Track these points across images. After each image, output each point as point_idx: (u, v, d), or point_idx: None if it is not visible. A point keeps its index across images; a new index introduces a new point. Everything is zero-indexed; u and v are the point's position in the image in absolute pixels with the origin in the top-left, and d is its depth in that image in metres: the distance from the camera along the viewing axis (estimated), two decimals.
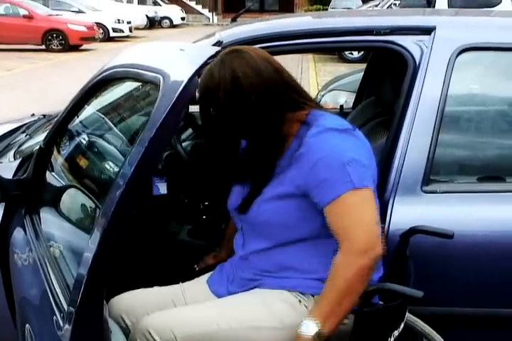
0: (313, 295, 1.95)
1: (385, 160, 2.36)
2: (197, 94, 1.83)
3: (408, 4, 13.22)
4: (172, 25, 33.24)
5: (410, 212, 2.29)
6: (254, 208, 1.96)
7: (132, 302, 2.16)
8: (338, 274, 1.79)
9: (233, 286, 2.09)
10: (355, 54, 15.09)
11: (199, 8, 37.41)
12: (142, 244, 2.94)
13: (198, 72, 1.58)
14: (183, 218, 3.16)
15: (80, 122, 2.70)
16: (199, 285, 2.19)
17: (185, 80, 1.53)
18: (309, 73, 13.58)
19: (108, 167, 2.49)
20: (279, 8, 34.58)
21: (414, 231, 2.09)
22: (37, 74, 14.77)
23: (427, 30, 2.45)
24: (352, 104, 4.08)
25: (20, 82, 13.43)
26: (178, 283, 2.28)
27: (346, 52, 15.32)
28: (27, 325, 2.06)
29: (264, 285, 2.01)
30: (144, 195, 1.67)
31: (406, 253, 2.06)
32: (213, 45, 2.49)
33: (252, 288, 2.04)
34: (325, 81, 7.88)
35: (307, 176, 1.86)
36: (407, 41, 2.44)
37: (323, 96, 6.17)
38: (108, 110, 2.98)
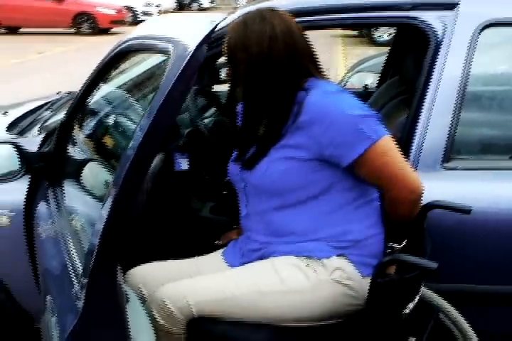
0: (319, 259, 1.99)
1: (405, 136, 2.36)
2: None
3: None
4: (201, 9, 33.21)
5: (430, 188, 2.30)
6: (260, 168, 1.98)
7: (149, 274, 2.19)
8: (398, 211, 2.02)
9: (244, 258, 2.13)
10: (385, 37, 14.97)
11: None
12: (165, 220, 2.98)
13: (206, 40, 1.58)
14: (205, 195, 3.19)
15: (100, 97, 2.74)
16: (214, 258, 2.23)
17: (193, 48, 1.53)
18: (338, 56, 13.51)
19: (126, 139, 2.52)
20: None
21: (431, 206, 2.09)
22: (67, 57, 14.90)
23: (450, 6, 2.42)
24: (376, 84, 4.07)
25: (50, 64, 13.56)
26: None
27: (376, 35, 15.22)
28: (48, 296, 2.10)
29: (270, 254, 2.05)
30: (151, 163, 1.69)
31: (423, 227, 2.07)
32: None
33: (260, 258, 2.07)
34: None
35: (321, 142, 1.88)
36: (429, 17, 2.42)
37: (349, 78, 6.15)
38: (127, 85, 3.01)
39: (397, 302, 1.85)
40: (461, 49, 2.36)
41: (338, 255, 2.00)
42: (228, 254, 2.21)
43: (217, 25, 1.60)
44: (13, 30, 21.15)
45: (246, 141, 2.08)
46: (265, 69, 1.89)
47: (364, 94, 3.74)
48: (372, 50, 12.74)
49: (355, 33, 17.29)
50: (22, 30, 21.19)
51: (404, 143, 2.34)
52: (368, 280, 1.89)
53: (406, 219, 2.05)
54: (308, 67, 1.97)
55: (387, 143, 1.92)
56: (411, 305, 1.88)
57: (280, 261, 2.01)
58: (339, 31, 18.10)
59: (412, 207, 2.02)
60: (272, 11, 1.96)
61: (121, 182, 1.62)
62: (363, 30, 16.12)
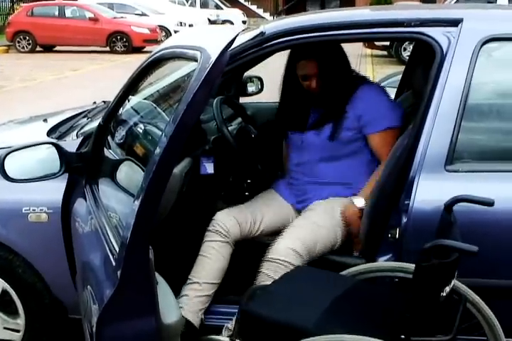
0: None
1: (412, 142, 2.56)
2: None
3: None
4: None
5: (434, 188, 2.49)
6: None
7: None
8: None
9: (298, 197, 3.10)
10: None
11: (260, 11, 37.68)
12: (190, 221, 3.19)
13: (229, 47, 1.81)
14: (228, 198, 3.38)
15: (133, 103, 2.97)
16: (270, 194, 3.17)
17: (217, 54, 1.76)
18: (367, 75, 13.61)
19: (155, 141, 2.70)
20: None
21: (457, 200, 2.28)
22: (101, 74, 15.24)
23: (455, 22, 2.61)
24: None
25: (85, 81, 13.92)
26: None
27: (404, 55, 15.36)
28: (88, 287, 2.24)
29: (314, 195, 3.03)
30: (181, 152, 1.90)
31: (451, 220, 2.25)
32: (257, 35, 2.72)
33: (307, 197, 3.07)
34: None
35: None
36: (435, 32, 2.61)
37: None
38: (159, 93, 3.24)
39: (437, 285, 2.00)
40: (463, 62, 2.55)
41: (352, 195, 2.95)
42: (283, 192, 3.15)
43: (238, 35, 1.82)
44: (48, 49, 21.63)
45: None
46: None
47: None
48: (399, 69, 12.87)
49: (384, 52, 17.46)
50: (57, 48, 21.68)
51: (411, 147, 2.55)
52: None
53: None
54: None
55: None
56: (447, 289, 2.03)
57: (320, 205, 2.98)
58: (368, 51, 18.28)
59: None
60: None
61: (148, 183, 1.83)
62: (391, 49, 16.32)
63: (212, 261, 2.90)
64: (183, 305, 2.80)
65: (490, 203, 2.27)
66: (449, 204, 2.29)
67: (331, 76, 2.95)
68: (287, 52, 2.99)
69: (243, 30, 2.29)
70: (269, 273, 2.70)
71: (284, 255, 2.71)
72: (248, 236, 2.99)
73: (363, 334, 1.97)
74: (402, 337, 2.01)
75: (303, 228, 2.86)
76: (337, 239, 2.88)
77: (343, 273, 2.51)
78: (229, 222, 2.95)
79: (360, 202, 2.85)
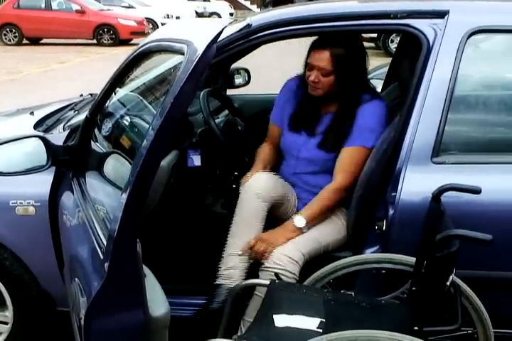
0: None
1: (398, 134, 2.57)
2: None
3: None
4: None
5: (421, 179, 2.51)
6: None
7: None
8: (328, 196, 2.81)
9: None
10: None
11: (247, 4, 37.63)
12: (179, 214, 3.19)
13: (215, 40, 1.81)
14: (217, 191, 3.38)
15: (121, 96, 2.96)
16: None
17: (204, 47, 1.76)
18: None
19: (142, 133, 2.70)
20: None
21: (445, 189, 2.30)
22: (88, 67, 15.17)
23: (441, 14, 2.62)
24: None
25: (72, 74, 13.85)
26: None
27: (391, 47, 15.39)
28: (76, 280, 2.24)
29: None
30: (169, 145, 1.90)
31: (441, 209, 2.26)
32: (243, 27, 2.72)
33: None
34: None
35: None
36: (422, 24, 2.62)
37: None
38: (149, 84, 3.24)
39: (444, 273, 2.03)
40: (450, 54, 2.56)
41: None
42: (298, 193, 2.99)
43: (224, 28, 1.82)
44: (34, 42, 21.50)
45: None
46: None
47: None
48: (387, 61, 12.84)
49: (371, 44, 17.46)
50: (43, 41, 21.56)
51: (397, 139, 2.56)
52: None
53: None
54: None
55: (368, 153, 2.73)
56: (450, 278, 2.06)
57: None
58: None
59: (339, 199, 2.83)
60: None
61: (136, 176, 1.82)
62: (378, 41, 16.35)
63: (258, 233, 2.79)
64: (236, 277, 2.76)
65: (477, 191, 2.30)
66: (437, 194, 2.31)
67: (346, 74, 2.81)
68: (273, 44, 2.95)
69: (230, 23, 2.30)
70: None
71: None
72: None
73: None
74: (416, 328, 2.03)
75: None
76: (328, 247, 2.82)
77: (330, 266, 2.50)
78: (276, 192, 2.81)
79: (300, 221, 2.76)
